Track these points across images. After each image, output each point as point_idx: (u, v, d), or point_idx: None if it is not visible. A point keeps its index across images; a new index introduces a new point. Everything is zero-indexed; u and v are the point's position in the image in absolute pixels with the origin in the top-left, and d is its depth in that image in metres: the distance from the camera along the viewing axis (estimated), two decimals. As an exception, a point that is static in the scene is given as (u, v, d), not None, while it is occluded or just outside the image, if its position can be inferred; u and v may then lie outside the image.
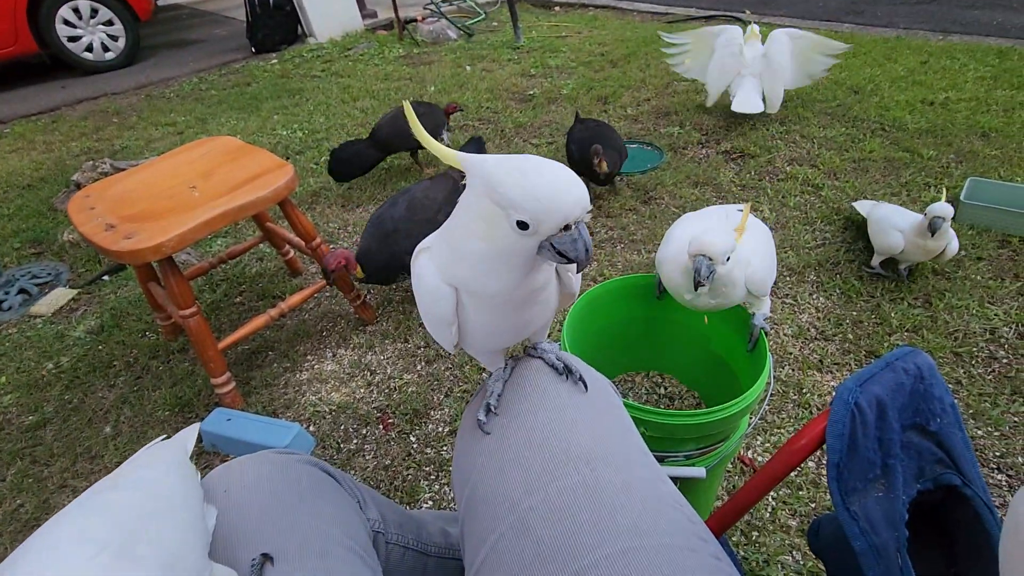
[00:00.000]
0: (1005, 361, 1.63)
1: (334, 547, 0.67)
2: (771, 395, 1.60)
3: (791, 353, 1.73)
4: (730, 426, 1.02)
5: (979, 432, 1.45)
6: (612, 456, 0.64)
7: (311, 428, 1.67)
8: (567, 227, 0.55)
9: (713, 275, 0.97)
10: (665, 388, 1.38)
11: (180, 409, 1.78)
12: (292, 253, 2.28)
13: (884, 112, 2.97)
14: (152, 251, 1.39)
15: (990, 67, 3.33)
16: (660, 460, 1.02)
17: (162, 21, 7.65)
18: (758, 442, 1.51)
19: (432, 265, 0.64)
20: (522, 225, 0.54)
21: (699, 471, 1.01)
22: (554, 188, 0.54)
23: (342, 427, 1.66)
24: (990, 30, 4.01)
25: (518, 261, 0.59)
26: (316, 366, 1.89)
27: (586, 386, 0.71)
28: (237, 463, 0.74)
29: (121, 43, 5.48)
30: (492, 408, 0.71)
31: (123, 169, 2.83)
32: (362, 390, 1.78)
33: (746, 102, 2.88)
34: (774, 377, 1.65)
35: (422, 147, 2.88)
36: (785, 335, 1.80)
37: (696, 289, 0.99)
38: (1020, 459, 1.38)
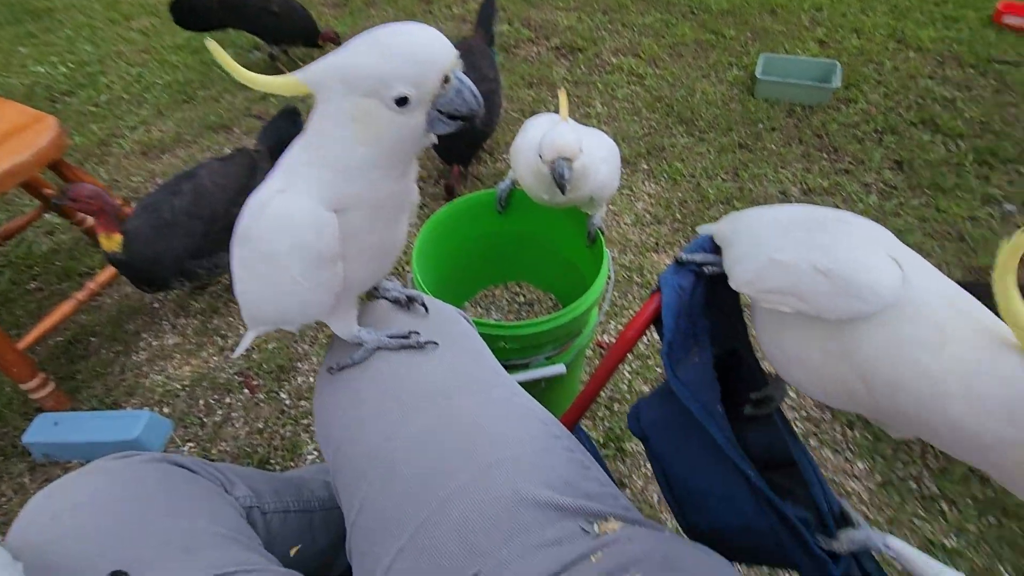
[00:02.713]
0: (795, 217, 1.94)
1: (200, 538, 0.64)
2: (617, 281, 1.76)
3: (631, 240, 1.89)
4: (581, 322, 1.11)
5: (778, 280, 1.74)
6: (467, 383, 0.67)
7: (164, 410, 1.52)
8: (446, 80, 0.52)
9: (572, 175, 0.99)
10: (524, 296, 1.45)
11: (-10, 426, 1.51)
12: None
13: (692, -5, 3.13)
14: None
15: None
16: (524, 365, 1.10)
17: None
18: (612, 326, 1.68)
19: (302, 199, 0.56)
20: (401, 101, 0.51)
21: (559, 368, 1.10)
22: (416, 41, 0.51)
23: (201, 401, 1.54)
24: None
25: (409, 147, 0.56)
26: (154, 343, 1.69)
27: (426, 308, 0.73)
28: (59, 484, 0.66)
29: None
30: (352, 362, 0.69)
31: None
32: (215, 358, 1.65)
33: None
34: (619, 265, 1.81)
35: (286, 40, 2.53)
36: (625, 224, 1.95)
37: (564, 192, 1.00)
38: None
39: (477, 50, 1.97)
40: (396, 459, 0.62)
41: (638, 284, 1.76)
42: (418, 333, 0.69)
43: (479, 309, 1.43)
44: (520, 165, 1.07)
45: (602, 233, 1.17)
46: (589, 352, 1.59)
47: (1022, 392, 0.39)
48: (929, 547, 1.20)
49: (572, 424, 0.83)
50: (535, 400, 0.71)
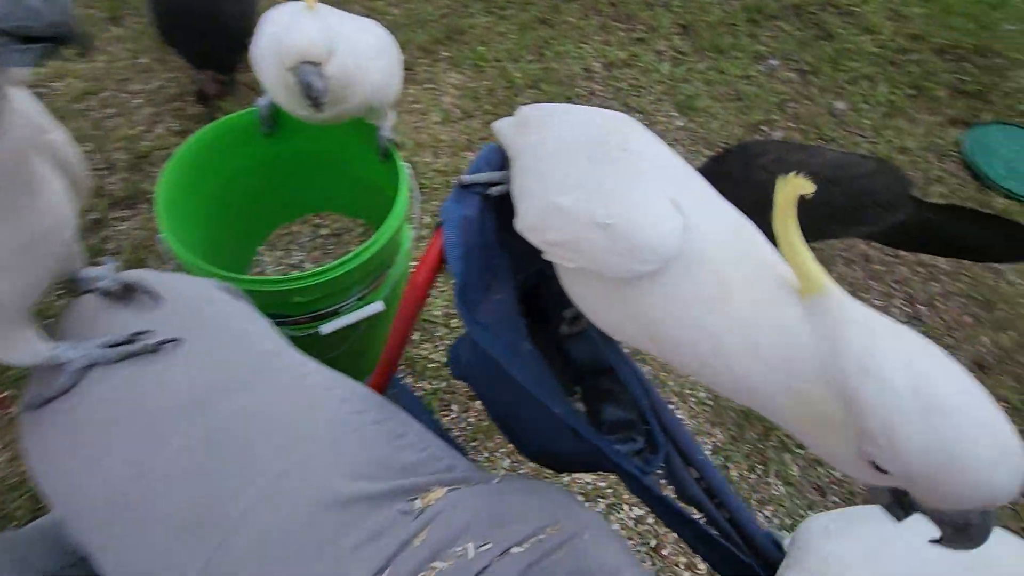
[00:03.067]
0: (600, 94, 1.93)
1: None
2: (433, 188, 1.64)
3: (443, 140, 1.75)
4: (391, 250, 0.99)
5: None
6: (233, 379, 0.54)
7: None
8: None
9: (326, 84, 0.79)
10: (329, 227, 1.27)
11: None
12: None
13: None
14: None
15: None
16: (333, 313, 0.97)
17: None
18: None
19: None
20: None
21: (376, 306, 0.99)
22: None
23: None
24: None
25: None
26: None
27: (157, 295, 0.55)
28: None
29: None
30: (56, 392, 0.51)
31: None
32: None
33: None
34: (434, 170, 1.67)
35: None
36: (434, 123, 1.79)
37: (321, 109, 0.81)
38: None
39: None
40: (149, 498, 0.48)
41: (457, 189, 1.65)
42: (148, 332, 0.52)
43: (277, 252, 1.23)
44: (264, 76, 0.85)
45: (396, 145, 1.02)
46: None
47: (801, 343, 0.37)
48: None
49: (383, 387, 0.74)
50: (331, 372, 0.60)
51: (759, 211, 1.32)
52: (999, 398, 1.38)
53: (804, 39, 2.10)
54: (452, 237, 0.57)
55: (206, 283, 0.62)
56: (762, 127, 1.88)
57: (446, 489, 0.53)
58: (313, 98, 0.77)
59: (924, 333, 1.37)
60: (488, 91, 1.87)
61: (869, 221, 1.10)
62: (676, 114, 1.90)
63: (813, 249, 0.41)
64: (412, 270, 0.61)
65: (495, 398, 0.70)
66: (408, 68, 1.91)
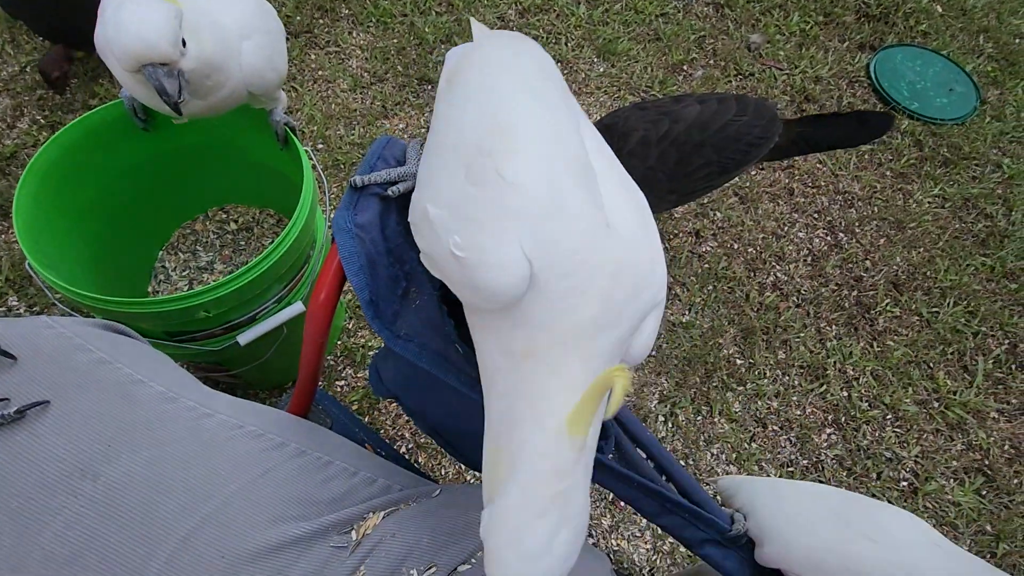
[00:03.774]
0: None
1: None
2: (352, 164, 1.53)
3: (354, 109, 1.63)
4: (303, 244, 0.91)
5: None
6: (119, 436, 0.47)
7: None
8: None
9: (184, 80, 0.69)
10: (236, 220, 1.17)
11: None
12: None
13: None
14: None
15: None
16: (250, 320, 0.89)
17: None
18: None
19: None
20: None
21: (296, 308, 0.92)
22: None
23: None
24: None
25: None
26: None
27: (10, 355, 0.47)
28: None
29: None
30: None
31: None
32: None
33: None
34: (349, 143, 1.56)
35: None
36: (343, 91, 1.66)
37: (179, 112, 0.71)
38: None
39: None
40: None
41: (376, 161, 1.56)
42: (4, 400, 0.45)
43: (182, 255, 1.12)
44: (113, 70, 0.72)
45: (291, 130, 0.92)
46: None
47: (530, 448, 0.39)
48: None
49: (303, 410, 0.69)
50: (240, 404, 0.55)
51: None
52: (912, 312, 1.49)
53: (717, -30, 2.06)
54: (348, 248, 0.51)
55: (78, 325, 0.53)
56: (683, 67, 1.85)
57: (383, 514, 0.50)
58: (171, 103, 0.66)
59: (845, 259, 1.42)
60: (398, 50, 1.74)
61: (749, 159, 1.21)
62: (597, 59, 1.84)
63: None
64: (315, 282, 0.55)
65: (428, 411, 0.67)
66: (307, 31, 1.74)
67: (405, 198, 0.56)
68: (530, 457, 0.38)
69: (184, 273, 1.10)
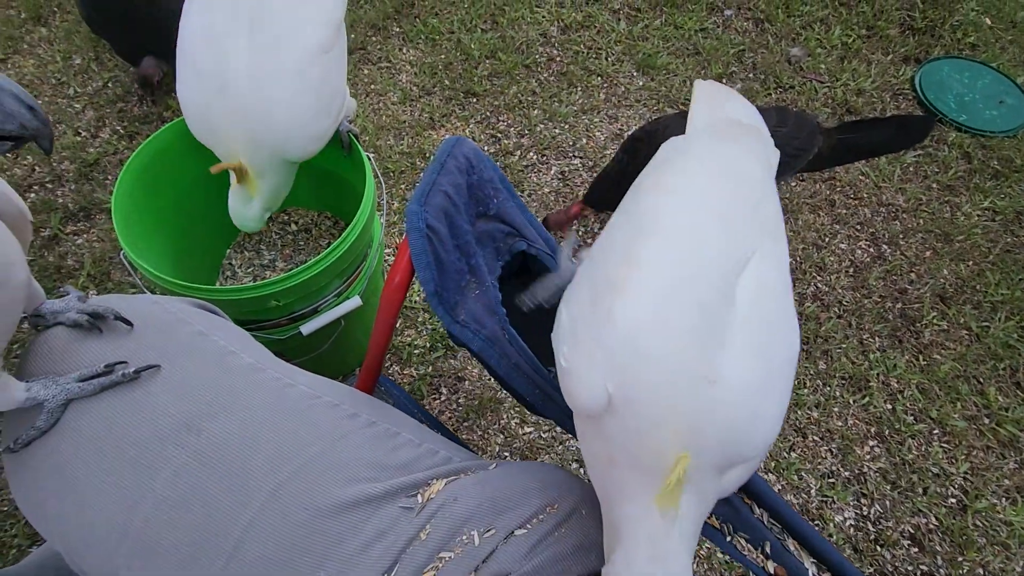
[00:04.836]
0: (559, 59, 1.90)
1: None
2: (400, 171, 1.61)
3: (404, 120, 1.71)
4: (363, 243, 0.98)
5: (555, 131, 1.74)
6: (218, 398, 0.53)
7: None
8: None
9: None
10: (296, 222, 1.25)
11: None
12: None
13: None
14: None
15: None
16: (312, 312, 0.96)
17: None
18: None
19: None
20: None
21: (354, 302, 0.98)
22: None
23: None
24: None
25: None
26: None
27: (127, 322, 0.54)
28: None
29: None
30: (37, 431, 0.50)
31: None
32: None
33: None
34: (398, 152, 1.64)
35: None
36: (393, 103, 1.75)
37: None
38: (584, 140, 1.74)
39: None
40: (149, 527, 0.48)
41: (422, 170, 1.63)
42: (124, 362, 0.51)
43: (247, 253, 1.20)
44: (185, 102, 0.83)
45: (355, 137, 0.99)
46: (389, 256, 1.48)
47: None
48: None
49: (371, 387, 0.74)
50: (317, 379, 0.60)
51: None
52: (961, 326, 1.46)
53: (757, -14, 2.09)
54: (418, 247, 0.56)
55: (179, 303, 0.60)
56: (723, 80, 1.88)
57: (445, 481, 0.54)
58: None
59: (889, 271, 1.42)
60: (445, 65, 1.83)
61: (789, 169, 1.23)
62: (637, 74, 1.88)
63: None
64: (388, 271, 0.60)
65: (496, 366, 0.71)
66: (360, 47, 1.85)
67: (472, 194, 0.61)
68: (628, 528, 0.44)
69: (249, 270, 1.18)
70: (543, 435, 1.29)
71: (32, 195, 1.55)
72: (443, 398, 1.33)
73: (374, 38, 1.87)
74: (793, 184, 1.68)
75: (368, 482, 0.52)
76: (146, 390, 0.51)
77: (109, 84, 1.74)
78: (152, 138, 0.95)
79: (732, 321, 0.43)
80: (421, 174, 1.61)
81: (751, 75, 1.89)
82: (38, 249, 1.45)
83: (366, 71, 1.80)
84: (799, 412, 1.35)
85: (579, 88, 1.83)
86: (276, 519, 0.48)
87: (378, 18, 1.89)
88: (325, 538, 0.49)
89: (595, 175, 1.65)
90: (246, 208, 0.87)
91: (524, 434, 1.29)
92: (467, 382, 1.36)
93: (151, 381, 0.52)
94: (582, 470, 1.25)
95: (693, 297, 0.43)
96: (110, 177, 1.58)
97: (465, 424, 1.30)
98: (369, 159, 0.96)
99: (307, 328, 0.93)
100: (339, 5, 0.81)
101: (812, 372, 1.40)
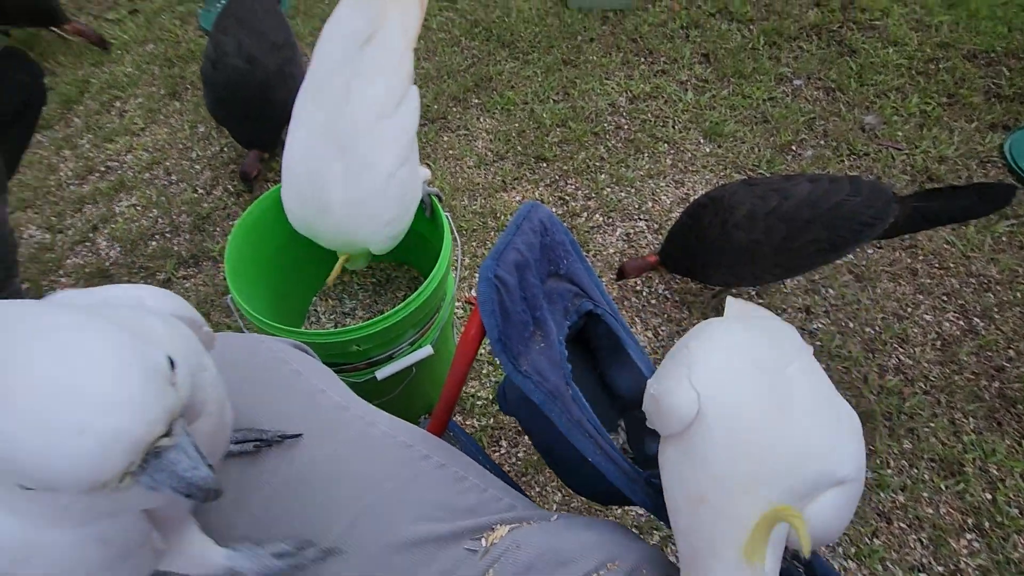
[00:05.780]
0: (627, 127, 1.98)
1: None
2: (473, 229, 1.71)
3: (478, 183, 1.83)
4: (437, 297, 1.05)
5: (622, 194, 1.80)
6: (310, 432, 0.59)
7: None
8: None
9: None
10: (377, 275, 1.35)
11: None
12: None
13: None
14: None
15: None
16: (387, 358, 1.02)
17: None
18: (476, 279, 1.64)
19: None
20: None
21: (426, 351, 1.04)
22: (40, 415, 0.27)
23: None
24: None
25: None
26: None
27: (294, 435, 0.57)
28: None
29: None
30: None
31: None
32: None
33: None
34: (472, 212, 1.74)
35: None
36: (468, 167, 1.88)
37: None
38: (650, 204, 1.78)
39: (260, 4, 1.65)
40: (252, 533, 0.53)
41: (493, 229, 1.72)
42: (265, 431, 0.56)
43: (331, 301, 1.31)
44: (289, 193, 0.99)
45: (438, 199, 1.08)
46: (460, 310, 1.55)
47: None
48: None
49: (441, 431, 0.79)
50: (395, 420, 0.65)
51: (741, 263, 1.39)
52: (1070, 411, 1.32)
53: (826, 57, 2.11)
54: (485, 295, 0.61)
55: (279, 343, 0.68)
56: (792, 147, 1.88)
57: (508, 528, 0.56)
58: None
59: (982, 346, 1.33)
60: (518, 133, 1.95)
61: (862, 238, 1.21)
62: (703, 140, 1.93)
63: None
64: (467, 320, 0.65)
65: (540, 434, 0.73)
66: (442, 117, 2.02)
67: (544, 254, 0.66)
68: None
69: (331, 316, 1.28)
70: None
71: (153, 243, 1.77)
72: (503, 451, 1.35)
73: (454, 108, 2.04)
74: (869, 251, 1.63)
75: (436, 522, 0.55)
76: (250, 419, 0.58)
77: (224, 149, 1.98)
78: (260, 199, 1.08)
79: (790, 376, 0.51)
80: (492, 233, 1.70)
81: (822, 142, 1.89)
82: (153, 290, 1.63)
83: (445, 138, 1.96)
84: (882, 494, 1.25)
85: (646, 154, 1.89)
86: (352, 549, 0.52)
87: (459, 91, 2.06)
88: (392, 572, 0.52)
89: (661, 237, 1.68)
90: (353, 266, 1.07)
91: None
92: (527, 437, 1.37)
93: (255, 410, 0.58)
94: (642, 536, 1.21)
95: (753, 357, 0.52)
96: (218, 229, 1.78)
97: (524, 479, 1.30)
98: (448, 220, 1.05)
99: (382, 373, 1.00)
100: (414, 120, 0.93)
101: (896, 451, 1.30)
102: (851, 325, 1.51)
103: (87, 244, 1.79)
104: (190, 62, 2.24)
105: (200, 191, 1.87)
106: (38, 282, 1.69)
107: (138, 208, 1.86)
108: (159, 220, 1.82)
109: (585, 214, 1.76)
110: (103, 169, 1.97)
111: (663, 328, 1.54)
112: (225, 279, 0.99)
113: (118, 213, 1.84)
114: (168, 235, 1.78)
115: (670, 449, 0.52)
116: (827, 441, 0.48)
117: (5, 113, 1.41)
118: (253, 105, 1.60)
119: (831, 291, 1.57)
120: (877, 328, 1.50)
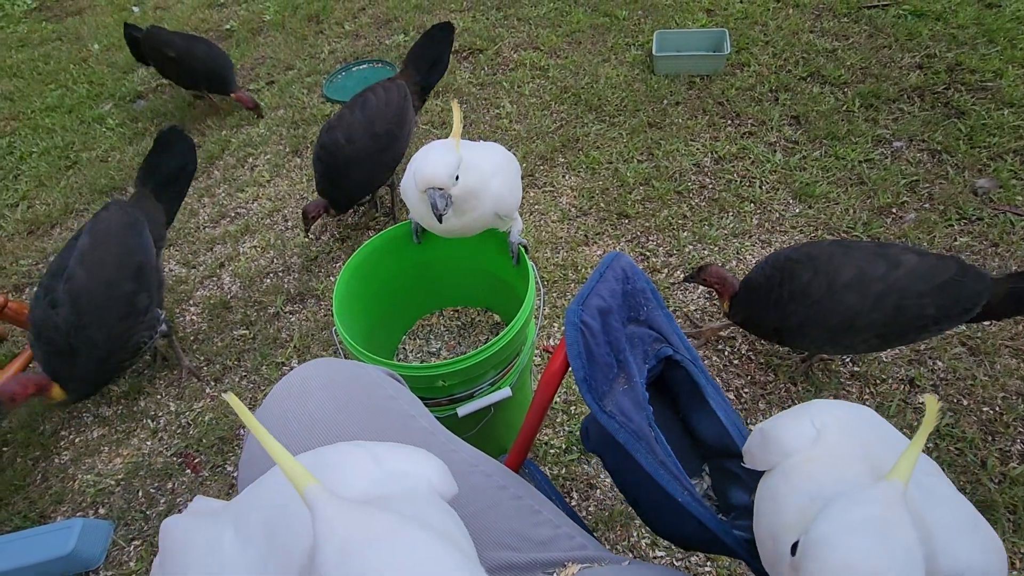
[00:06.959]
0: (711, 187, 1.99)
1: None
2: (553, 280, 1.76)
3: (561, 237, 1.90)
4: (519, 341, 1.09)
5: (704, 252, 1.79)
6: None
7: (100, 512, 1.41)
8: None
9: (450, 201, 0.97)
10: (462, 319, 1.42)
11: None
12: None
13: (580, -21, 3.15)
14: None
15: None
16: (468, 396, 1.08)
17: None
18: (555, 328, 1.68)
19: None
20: None
21: (504, 392, 1.08)
22: None
23: (140, 492, 1.43)
24: None
25: None
26: (77, 439, 1.56)
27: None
28: None
29: None
30: None
31: None
32: (149, 442, 1.54)
33: None
34: (553, 264, 1.81)
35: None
36: (552, 222, 1.96)
37: (441, 222, 0.99)
38: (734, 263, 1.76)
39: (386, 95, 1.85)
40: None
41: (573, 281, 1.77)
42: None
43: (418, 340, 1.39)
44: (409, 200, 1.05)
45: (525, 249, 1.15)
46: (537, 357, 1.58)
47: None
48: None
49: (517, 466, 0.81)
50: (475, 450, 0.69)
51: (843, 328, 1.34)
52: None
53: (930, 119, 2.03)
54: (572, 338, 0.65)
55: (376, 371, 0.75)
56: (892, 209, 1.80)
57: (580, 566, 0.57)
58: (437, 215, 0.96)
59: None
60: (602, 190, 2.02)
61: (961, 320, 1.19)
62: (793, 201, 1.89)
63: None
64: (549, 359, 0.69)
65: (625, 474, 0.74)
66: (529, 175, 2.14)
67: (626, 301, 0.69)
68: None
69: (417, 355, 1.36)
70: (676, 561, 1.21)
71: (267, 280, 1.98)
72: (573, 503, 1.33)
73: (542, 167, 2.15)
74: (987, 323, 1.50)
75: (512, 550, 0.57)
76: (352, 434, 0.64)
77: (329, 210, 2.21)
78: (365, 244, 1.21)
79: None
80: (572, 285, 1.75)
81: (926, 205, 1.79)
82: (264, 323, 1.82)
83: (532, 194, 2.06)
84: (1006, 598, 1.09)
85: (730, 213, 1.89)
86: None
87: (547, 151, 2.18)
88: (471, 595, 0.54)
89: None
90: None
91: (655, 557, 1.23)
92: (599, 491, 1.34)
93: (357, 426, 0.64)
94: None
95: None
96: (323, 270, 1.96)
97: (594, 534, 1.27)
98: (533, 269, 1.11)
99: (463, 410, 1.05)
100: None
101: (1023, 551, 1.15)
102: (964, 403, 1.38)
103: (214, 279, 2.03)
104: (312, 125, 2.55)
105: (311, 236, 2.09)
106: (172, 311, 1.94)
107: (258, 249, 2.09)
108: (274, 260, 2.04)
109: (666, 270, 1.77)
110: (233, 215, 2.26)
111: (746, 390, 1.48)
112: (325, 315, 1.10)
113: (241, 253, 2.09)
114: (280, 274, 1.99)
115: (772, 480, 0.53)
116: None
117: (170, 175, 1.70)
118: (337, 174, 1.83)
119: (940, 363, 1.45)
120: (997, 408, 1.35)
